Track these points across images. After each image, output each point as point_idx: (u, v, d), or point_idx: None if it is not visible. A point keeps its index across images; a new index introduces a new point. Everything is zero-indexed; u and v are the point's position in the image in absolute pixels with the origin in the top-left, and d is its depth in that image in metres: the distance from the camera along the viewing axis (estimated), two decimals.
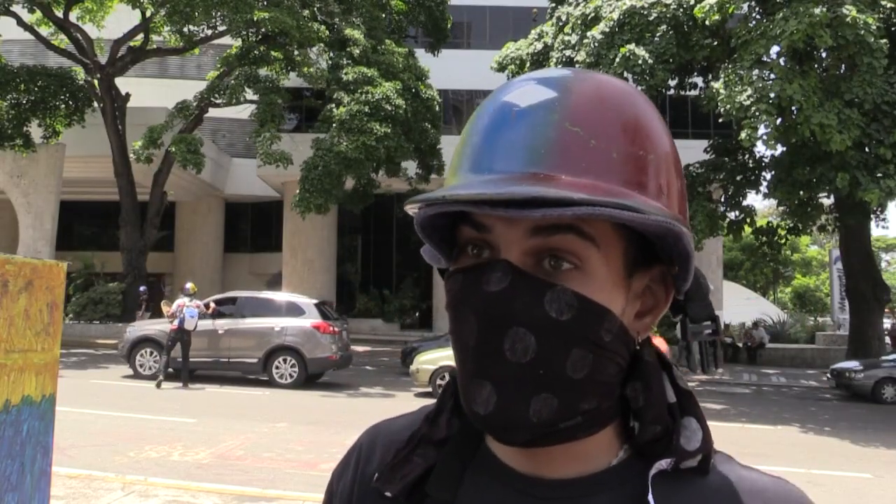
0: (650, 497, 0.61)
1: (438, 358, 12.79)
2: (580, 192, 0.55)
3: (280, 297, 15.12)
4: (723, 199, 17.85)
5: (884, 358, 16.36)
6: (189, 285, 13.68)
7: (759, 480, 0.65)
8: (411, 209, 0.64)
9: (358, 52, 19.32)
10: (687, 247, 0.61)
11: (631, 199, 0.57)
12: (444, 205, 0.60)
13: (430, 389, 12.55)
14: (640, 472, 0.63)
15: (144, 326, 14.86)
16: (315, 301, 14.90)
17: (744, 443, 9.76)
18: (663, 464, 0.63)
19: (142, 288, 21.82)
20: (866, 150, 13.39)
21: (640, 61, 14.80)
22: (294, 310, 14.06)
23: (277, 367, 13.62)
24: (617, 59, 15.03)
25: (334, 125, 18.33)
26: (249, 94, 20.35)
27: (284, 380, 13.53)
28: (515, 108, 0.61)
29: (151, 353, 13.86)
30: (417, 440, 0.70)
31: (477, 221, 0.62)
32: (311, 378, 13.85)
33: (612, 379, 0.62)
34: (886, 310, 24.24)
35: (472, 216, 0.62)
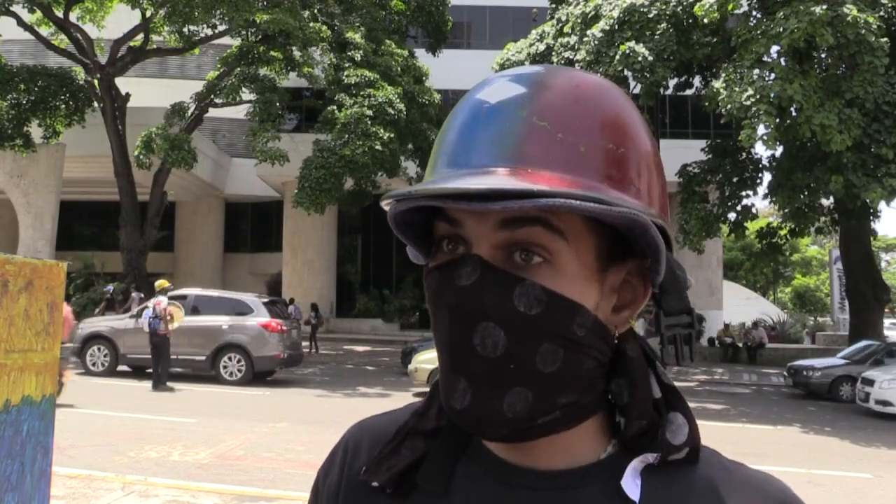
0: (622, 483, 0.62)
1: (436, 357, 12.74)
2: (542, 185, 0.56)
3: (230, 295, 15.28)
4: (718, 200, 17.85)
5: (840, 356, 16.39)
6: (157, 283, 13.53)
7: (746, 474, 0.66)
8: (385, 205, 0.65)
9: (360, 56, 19.32)
10: (654, 238, 0.60)
11: (595, 192, 0.57)
12: (410, 200, 0.61)
13: (428, 388, 12.50)
14: (625, 466, 0.64)
15: (96, 323, 14.98)
16: (266, 300, 15.13)
17: (744, 443, 9.75)
18: (649, 457, 0.63)
19: (108, 287, 21.68)
20: (868, 150, 13.38)
21: (639, 59, 14.80)
22: (243, 308, 14.20)
23: (225, 366, 13.80)
24: (617, 57, 15.03)
25: (337, 127, 18.32)
26: (247, 94, 20.33)
27: (232, 377, 13.73)
28: (486, 104, 0.62)
29: (101, 350, 13.98)
30: (406, 432, 0.70)
31: (450, 216, 0.63)
32: (259, 376, 14.05)
33: (589, 373, 0.62)
34: (886, 310, 24.24)
35: (445, 211, 0.63)
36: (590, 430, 0.65)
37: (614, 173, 0.60)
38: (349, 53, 19.43)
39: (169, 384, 12.53)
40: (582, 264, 0.61)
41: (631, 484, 0.62)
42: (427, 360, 12.89)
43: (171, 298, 13.29)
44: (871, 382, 13.04)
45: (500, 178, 0.57)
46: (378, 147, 17.87)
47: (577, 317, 0.60)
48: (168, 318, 12.67)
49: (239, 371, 13.79)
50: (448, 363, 0.62)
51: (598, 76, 0.66)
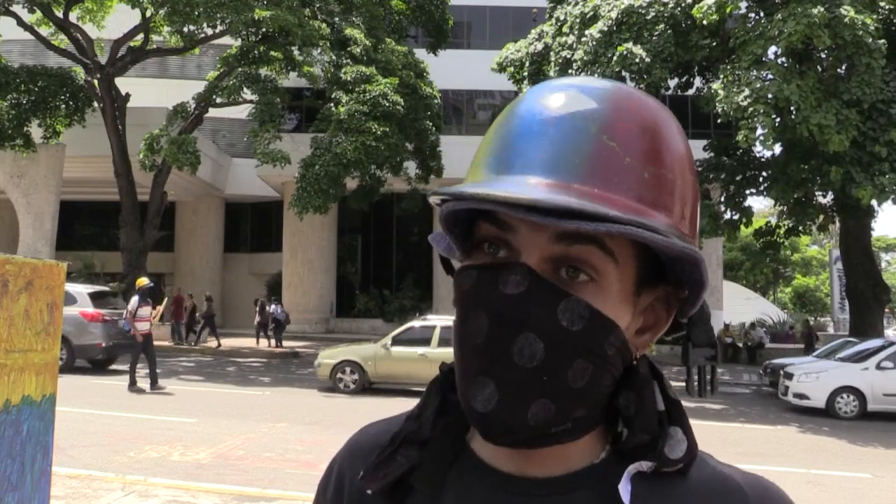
0: (620, 487, 0.62)
1: (338, 353, 13.52)
2: (614, 209, 0.56)
3: None
4: (723, 199, 17.86)
5: (815, 355, 16.37)
6: (137, 281, 13.37)
7: (737, 479, 0.66)
8: (434, 200, 0.64)
9: (359, 51, 19.31)
10: (703, 275, 0.62)
11: (659, 222, 0.58)
12: (476, 202, 0.59)
13: (331, 384, 13.23)
14: (620, 471, 0.64)
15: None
16: (92, 290, 15.57)
17: (744, 443, 9.76)
18: (643, 465, 0.64)
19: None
20: (863, 147, 13.40)
21: (637, 60, 14.80)
22: (67, 298, 14.24)
23: None
24: (614, 58, 15.03)
25: (332, 125, 18.32)
26: (248, 95, 20.34)
27: None
28: (553, 113, 0.61)
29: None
30: (401, 440, 0.70)
31: (501, 220, 0.62)
32: (88, 365, 14.52)
33: (605, 389, 0.63)
34: (886, 310, 24.23)
35: (498, 214, 0.62)
36: (588, 438, 0.66)
37: (671, 204, 0.61)
38: (349, 49, 19.43)
39: (161, 383, 12.30)
40: (623, 286, 0.62)
41: (626, 489, 0.63)
42: (329, 355, 13.48)
43: None
44: (790, 376, 13.36)
45: (574, 197, 0.56)
46: (372, 143, 17.83)
47: (612, 336, 0.61)
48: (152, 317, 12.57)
49: (61, 359, 13.92)
50: (476, 366, 0.61)
51: (659, 102, 0.66)
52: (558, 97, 0.62)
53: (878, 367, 12.74)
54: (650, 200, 0.60)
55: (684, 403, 0.67)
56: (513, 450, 0.64)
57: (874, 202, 14.05)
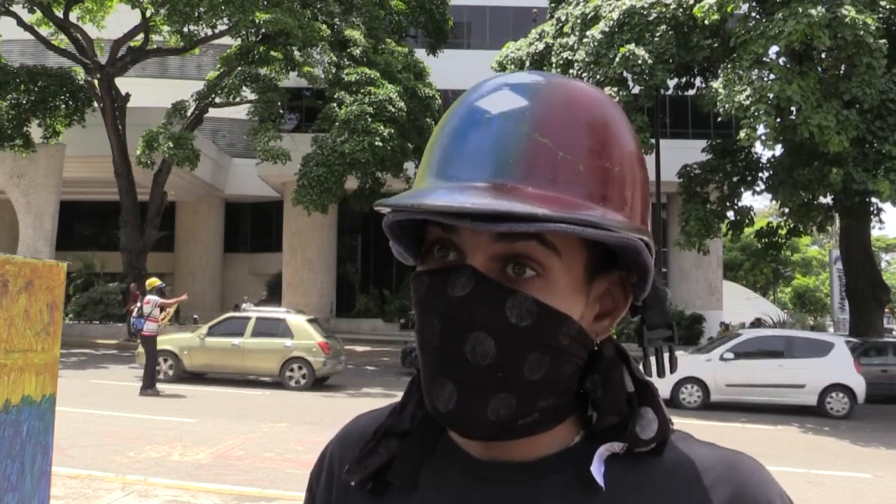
0: (592, 468, 0.63)
1: (162, 341, 13.28)
2: (544, 208, 0.57)
3: None
4: (718, 200, 17.89)
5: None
6: (148, 281, 13.21)
7: (711, 457, 0.66)
8: (380, 209, 0.65)
9: (359, 52, 19.32)
10: (646, 261, 0.63)
11: (594, 213, 0.59)
12: (411, 213, 0.62)
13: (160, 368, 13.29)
14: (593, 454, 0.65)
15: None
16: None
17: (744, 443, 9.76)
18: (615, 447, 0.65)
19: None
20: (867, 146, 13.39)
21: (639, 61, 14.81)
22: None
23: None
24: (616, 59, 15.03)
25: (337, 125, 18.32)
26: (248, 94, 20.35)
27: None
28: (486, 114, 0.62)
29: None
30: (382, 432, 0.72)
31: (445, 224, 0.63)
32: None
33: (569, 378, 0.65)
34: (886, 310, 24.23)
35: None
36: (562, 426, 0.67)
37: (610, 193, 0.62)
38: (349, 51, 19.44)
39: (159, 387, 12.09)
40: (572, 277, 0.63)
41: (598, 470, 0.64)
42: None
43: None
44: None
45: (502, 199, 0.57)
46: (378, 143, 17.86)
47: (565, 328, 0.62)
48: (161, 316, 12.40)
49: None
50: (434, 367, 0.63)
51: (594, 88, 0.67)
52: (492, 98, 0.63)
53: (721, 358, 12.91)
54: (586, 193, 0.60)
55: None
56: (490, 442, 0.66)
57: (877, 199, 14.03)
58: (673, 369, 0.71)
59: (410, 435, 0.71)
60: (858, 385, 12.74)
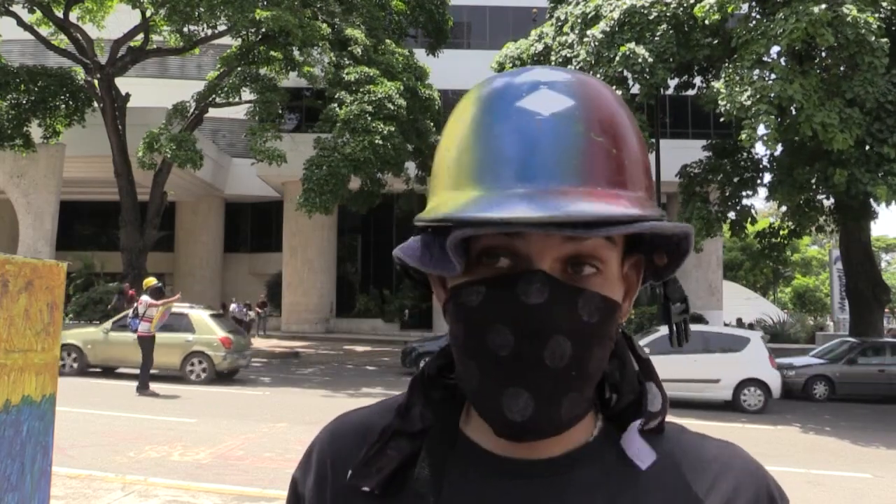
0: (631, 452, 0.66)
1: (63, 335, 13.61)
2: (621, 207, 0.57)
3: None
4: (719, 200, 17.88)
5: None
6: (145, 281, 13.24)
7: (713, 446, 0.71)
8: (458, 232, 0.59)
9: (360, 51, 19.32)
10: (690, 246, 0.65)
11: (652, 206, 0.61)
12: (499, 226, 0.56)
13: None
14: (615, 440, 0.68)
15: None
16: None
17: (744, 443, 9.69)
18: (636, 424, 0.67)
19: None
20: (867, 148, 13.38)
21: (640, 60, 14.80)
22: None
23: None
24: (617, 58, 15.03)
25: (338, 125, 18.32)
26: (247, 94, 20.34)
27: None
28: (538, 116, 0.60)
29: None
30: (390, 434, 0.69)
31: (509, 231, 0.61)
32: None
33: (605, 365, 0.66)
34: (886, 310, 24.23)
35: None
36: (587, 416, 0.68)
37: (649, 183, 0.64)
38: (350, 50, 19.44)
39: (153, 388, 11.97)
40: (618, 267, 0.65)
41: (640, 450, 0.66)
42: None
43: None
44: None
45: (592, 203, 0.56)
46: (379, 141, 17.86)
47: (617, 315, 0.65)
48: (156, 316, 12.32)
49: None
50: (506, 378, 0.60)
51: (599, 80, 0.67)
52: (534, 99, 0.61)
53: None
54: (640, 186, 0.62)
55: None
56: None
57: (874, 202, 14.04)
58: (688, 339, 0.73)
59: (429, 437, 0.69)
60: (773, 380, 12.85)
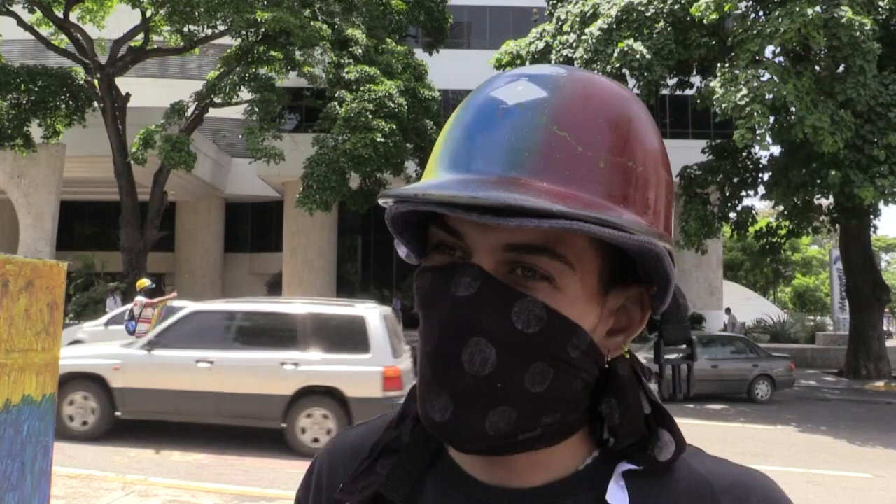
0: (609, 489, 0.60)
1: None
2: (559, 203, 0.52)
3: None
4: (719, 201, 17.88)
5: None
6: (138, 282, 13.11)
7: (728, 475, 0.63)
8: (383, 202, 0.61)
9: (360, 51, 19.35)
10: (668, 269, 0.58)
11: (614, 214, 0.54)
12: (415, 203, 0.57)
13: None
14: (606, 475, 0.62)
15: None
16: None
17: (744, 443, 9.76)
18: (621, 468, 0.62)
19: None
20: (861, 150, 13.40)
21: (637, 57, 14.81)
22: None
23: None
24: (615, 55, 15.03)
25: (338, 122, 18.34)
26: (246, 94, 20.35)
27: None
28: (502, 105, 0.57)
29: None
30: (379, 450, 0.67)
31: (450, 226, 0.59)
32: None
33: (576, 394, 0.60)
34: (886, 310, 24.24)
35: (446, 218, 0.59)
36: (570, 443, 0.63)
37: (632, 193, 0.57)
38: (350, 49, 19.46)
39: None
40: (585, 286, 0.59)
41: (617, 493, 0.60)
42: None
43: None
44: None
45: (513, 192, 0.53)
46: (380, 139, 17.87)
47: (574, 338, 0.58)
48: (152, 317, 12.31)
49: None
50: (430, 374, 0.58)
51: (618, 83, 0.63)
52: (509, 88, 0.58)
53: None
54: (606, 192, 0.55)
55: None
56: (490, 458, 0.61)
57: (875, 201, 14.04)
58: (690, 392, 0.67)
59: (405, 450, 0.66)
60: None
